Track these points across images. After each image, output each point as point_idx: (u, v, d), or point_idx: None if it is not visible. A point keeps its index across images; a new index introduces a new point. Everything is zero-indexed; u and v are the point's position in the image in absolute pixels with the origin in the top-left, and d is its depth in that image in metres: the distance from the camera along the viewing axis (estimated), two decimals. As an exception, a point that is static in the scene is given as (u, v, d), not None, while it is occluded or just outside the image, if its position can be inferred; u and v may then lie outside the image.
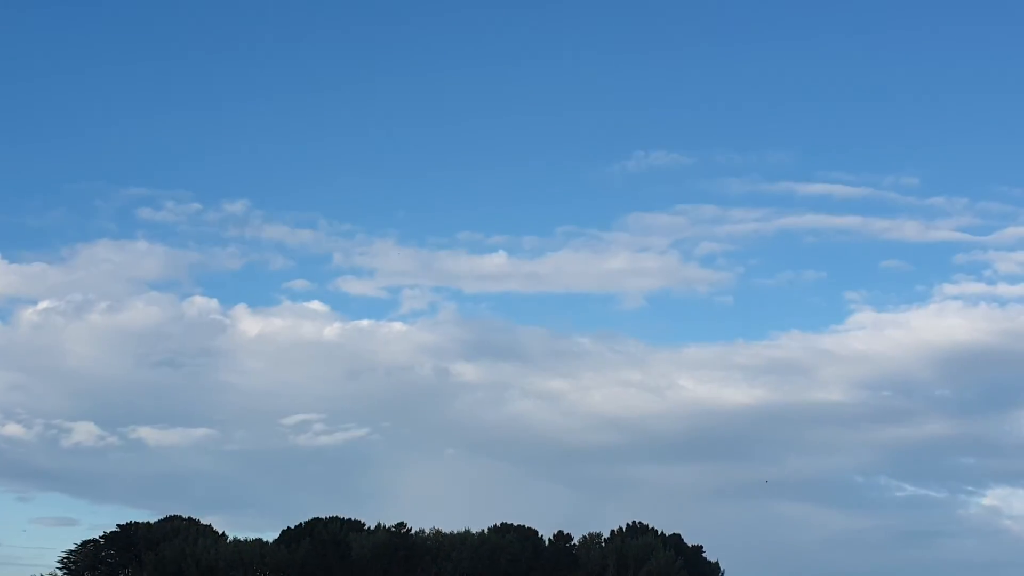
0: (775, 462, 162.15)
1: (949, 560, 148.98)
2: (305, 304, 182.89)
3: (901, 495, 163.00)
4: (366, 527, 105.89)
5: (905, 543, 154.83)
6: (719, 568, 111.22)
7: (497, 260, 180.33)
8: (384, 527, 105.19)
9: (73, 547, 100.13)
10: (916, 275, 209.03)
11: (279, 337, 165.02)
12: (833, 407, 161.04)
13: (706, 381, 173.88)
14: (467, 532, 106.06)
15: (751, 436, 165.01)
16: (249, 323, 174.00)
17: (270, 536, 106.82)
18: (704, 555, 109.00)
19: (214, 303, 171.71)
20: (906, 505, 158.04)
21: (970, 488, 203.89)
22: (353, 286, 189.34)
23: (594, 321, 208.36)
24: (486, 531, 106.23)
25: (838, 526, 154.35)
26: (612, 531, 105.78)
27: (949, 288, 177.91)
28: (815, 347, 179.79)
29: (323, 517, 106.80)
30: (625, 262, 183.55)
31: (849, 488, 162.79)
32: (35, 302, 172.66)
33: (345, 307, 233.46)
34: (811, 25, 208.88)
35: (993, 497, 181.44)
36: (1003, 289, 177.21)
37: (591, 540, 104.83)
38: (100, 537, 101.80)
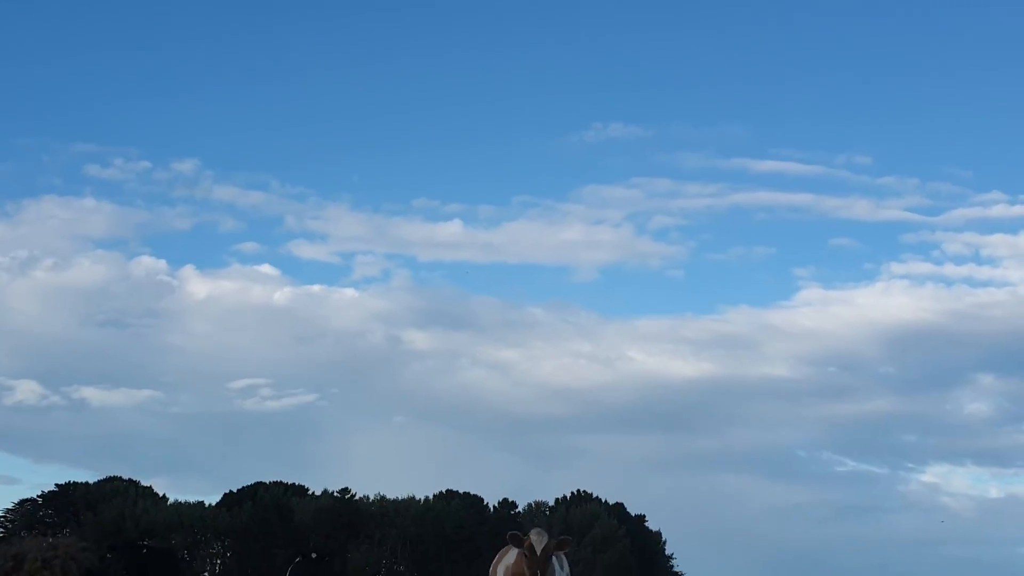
0: (720, 435, 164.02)
1: (888, 535, 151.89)
2: (255, 267, 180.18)
3: (843, 470, 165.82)
4: (310, 492, 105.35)
5: (846, 517, 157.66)
6: (661, 537, 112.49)
7: (452, 229, 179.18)
8: (328, 492, 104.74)
9: (10, 506, 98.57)
10: (865, 253, 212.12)
11: (228, 300, 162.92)
12: (779, 382, 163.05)
13: (655, 354, 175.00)
14: (412, 499, 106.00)
15: (697, 409, 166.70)
16: (197, 285, 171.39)
17: (213, 500, 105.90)
18: (647, 524, 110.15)
19: (162, 263, 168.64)
20: (847, 480, 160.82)
21: (911, 465, 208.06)
22: (305, 250, 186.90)
23: (547, 292, 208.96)
24: (431, 498, 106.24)
25: (780, 499, 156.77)
26: (557, 499, 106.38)
27: (896, 267, 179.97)
28: (763, 322, 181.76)
29: (266, 482, 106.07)
30: (580, 234, 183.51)
31: (792, 462, 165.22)
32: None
33: (296, 271, 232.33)
34: (768, 2, 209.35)
35: (933, 474, 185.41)
36: (950, 269, 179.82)
37: (536, 508, 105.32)
38: (38, 496, 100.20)
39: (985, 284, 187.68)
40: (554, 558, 12.17)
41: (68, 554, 23.77)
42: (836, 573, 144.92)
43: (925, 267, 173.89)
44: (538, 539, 11.88)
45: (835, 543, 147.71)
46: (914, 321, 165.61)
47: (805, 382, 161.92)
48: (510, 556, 12.52)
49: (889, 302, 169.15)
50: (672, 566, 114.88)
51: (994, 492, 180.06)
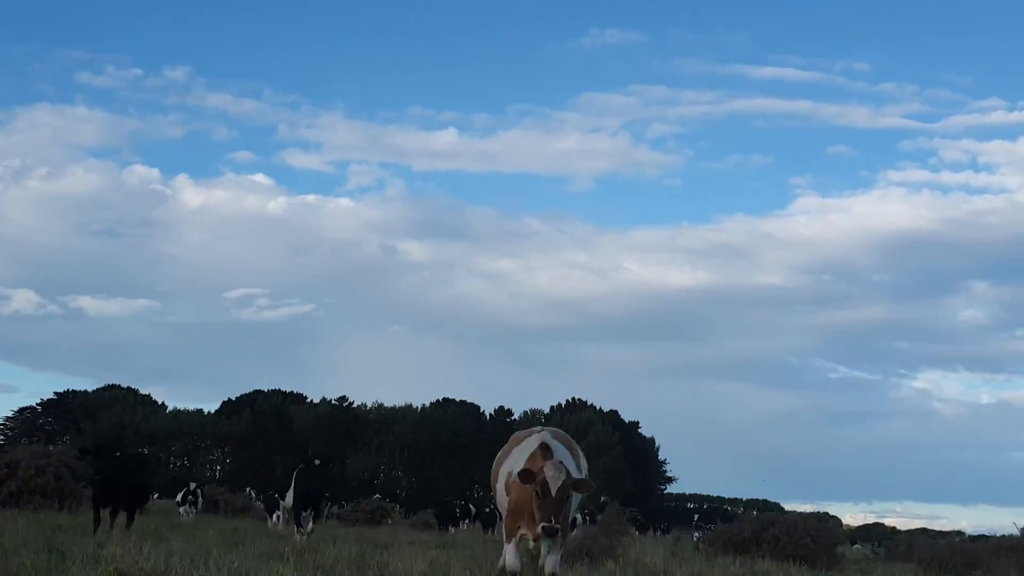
0: (714, 343, 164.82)
1: (879, 440, 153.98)
2: (249, 176, 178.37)
3: (835, 376, 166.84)
4: (308, 400, 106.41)
5: (837, 423, 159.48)
6: (654, 443, 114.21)
7: (447, 137, 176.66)
8: (327, 400, 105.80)
9: (10, 414, 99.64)
10: (862, 161, 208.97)
11: (222, 209, 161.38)
12: (773, 291, 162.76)
13: (651, 264, 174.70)
14: (409, 407, 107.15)
15: (692, 318, 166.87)
16: (191, 194, 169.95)
17: (212, 408, 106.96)
18: (640, 431, 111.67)
19: (155, 172, 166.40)
20: (839, 386, 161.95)
21: (902, 371, 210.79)
22: (298, 159, 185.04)
23: (543, 202, 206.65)
24: (428, 406, 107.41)
25: (772, 406, 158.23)
26: (552, 407, 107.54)
27: (893, 175, 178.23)
28: (759, 231, 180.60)
29: (264, 390, 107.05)
30: (576, 143, 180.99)
31: (785, 369, 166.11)
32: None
33: (290, 181, 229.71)
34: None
35: (924, 380, 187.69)
36: (947, 177, 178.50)
37: (531, 415, 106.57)
38: (37, 404, 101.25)
39: (982, 191, 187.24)
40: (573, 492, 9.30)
41: (62, 461, 23.81)
42: (829, 478, 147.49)
43: (922, 174, 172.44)
44: (554, 475, 8.95)
45: (827, 449, 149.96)
46: (910, 229, 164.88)
47: (800, 290, 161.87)
48: (514, 460, 9.81)
49: (886, 210, 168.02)
50: (665, 471, 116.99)
51: (985, 398, 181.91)
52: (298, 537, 18.22)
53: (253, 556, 12.73)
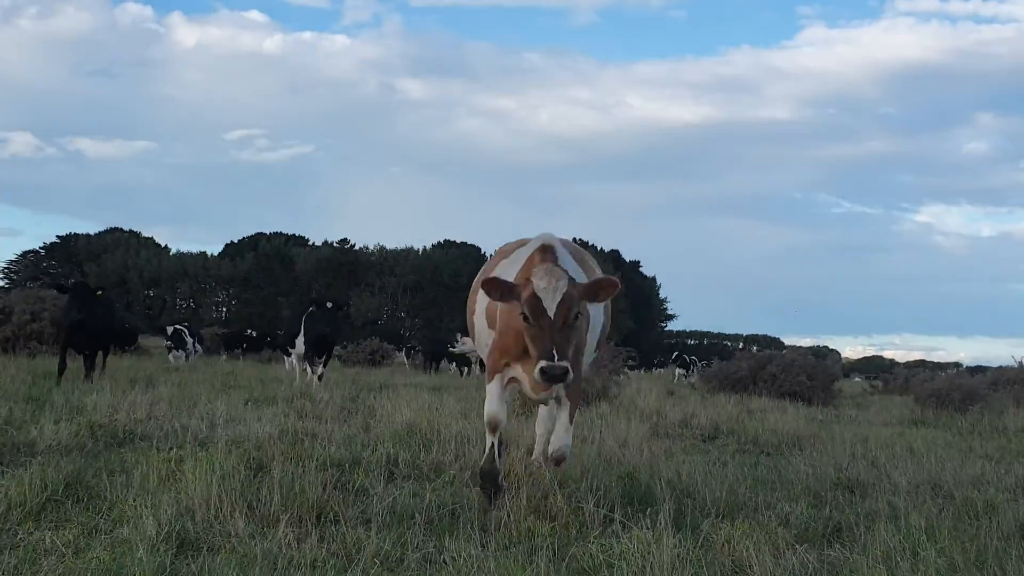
0: (717, 180, 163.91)
1: (880, 274, 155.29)
2: (243, 13, 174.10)
3: (838, 211, 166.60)
4: (310, 242, 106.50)
5: (840, 257, 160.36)
6: (655, 282, 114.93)
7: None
8: (328, 242, 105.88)
9: (13, 257, 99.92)
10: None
11: (217, 48, 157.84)
12: (778, 125, 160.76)
13: (654, 99, 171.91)
14: (410, 248, 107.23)
15: (695, 155, 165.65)
16: (185, 32, 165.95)
17: (214, 250, 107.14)
18: (641, 270, 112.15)
19: (148, 10, 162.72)
20: (842, 221, 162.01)
21: (905, 205, 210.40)
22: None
23: (544, 36, 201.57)
24: (429, 247, 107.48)
25: (775, 241, 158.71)
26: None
27: (902, 4, 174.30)
28: (764, 63, 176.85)
29: (267, 232, 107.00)
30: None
31: (788, 205, 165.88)
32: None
33: (285, 17, 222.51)
34: None
35: (927, 214, 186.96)
36: (955, 7, 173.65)
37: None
38: (40, 248, 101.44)
39: (990, 20, 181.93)
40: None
41: (57, 306, 23.68)
42: (830, 312, 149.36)
43: (930, 4, 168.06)
44: (548, 284, 5.98)
45: (829, 283, 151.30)
46: (917, 60, 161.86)
47: (805, 124, 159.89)
48: (508, 266, 6.93)
49: (893, 40, 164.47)
50: (666, 309, 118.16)
51: (987, 231, 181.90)
52: (312, 379, 18.04)
53: (240, 402, 12.59)
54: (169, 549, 5.24)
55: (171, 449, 7.84)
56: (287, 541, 5.47)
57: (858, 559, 5.76)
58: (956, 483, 8.80)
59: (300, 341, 19.37)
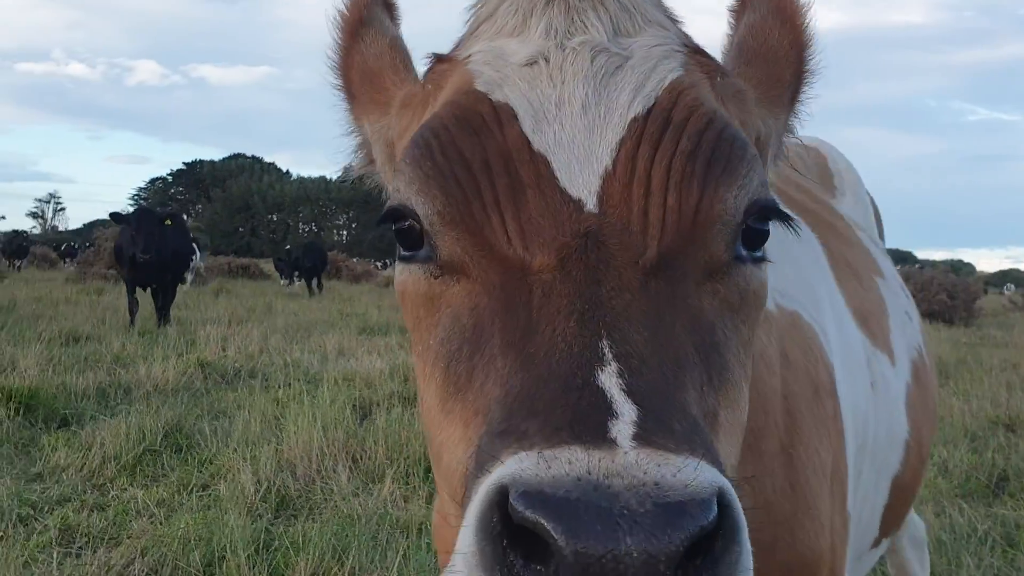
0: (847, 89, 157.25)
1: (1018, 184, 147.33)
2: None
3: (974, 119, 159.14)
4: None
5: (972, 167, 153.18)
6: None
7: None
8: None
9: (142, 184, 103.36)
10: None
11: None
12: (912, 29, 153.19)
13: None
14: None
15: (823, 62, 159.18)
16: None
17: (334, 175, 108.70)
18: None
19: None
20: (978, 129, 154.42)
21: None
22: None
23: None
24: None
25: (908, 151, 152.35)
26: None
27: None
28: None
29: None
30: None
31: (922, 112, 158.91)
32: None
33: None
34: None
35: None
36: None
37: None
38: (168, 175, 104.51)
39: None
40: None
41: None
42: (962, 224, 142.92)
43: None
44: None
45: (964, 194, 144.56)
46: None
47: (940, 28, 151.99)
48: None
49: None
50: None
51: None
52: None
53: (354, 333, 12.29)
54: (268, 509, 4.86)
55: (278, 388, 7.53)
56: (393, 499, 5.04)
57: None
58: None
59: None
